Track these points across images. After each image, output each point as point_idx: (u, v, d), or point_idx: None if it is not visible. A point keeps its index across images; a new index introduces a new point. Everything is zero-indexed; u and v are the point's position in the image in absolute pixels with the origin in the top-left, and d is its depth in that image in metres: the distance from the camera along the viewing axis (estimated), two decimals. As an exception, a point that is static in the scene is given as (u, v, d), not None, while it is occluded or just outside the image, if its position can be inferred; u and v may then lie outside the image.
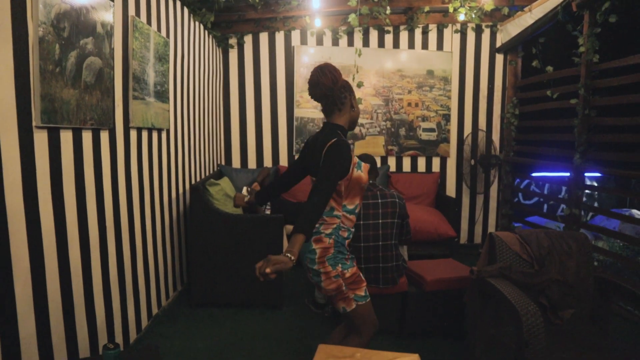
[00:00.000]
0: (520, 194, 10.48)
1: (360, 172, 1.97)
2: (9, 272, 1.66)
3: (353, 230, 2.08)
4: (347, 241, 2.04)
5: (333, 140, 1.89)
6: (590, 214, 9.64)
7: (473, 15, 4.57)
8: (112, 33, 2.37)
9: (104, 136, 2.37)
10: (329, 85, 1.94)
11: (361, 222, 2.82)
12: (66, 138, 2.02)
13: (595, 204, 11.20)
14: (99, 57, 2.24)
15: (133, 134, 2.71)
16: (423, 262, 3.31)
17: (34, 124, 1.78)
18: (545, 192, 10.32)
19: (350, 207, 1.99)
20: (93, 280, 2.27)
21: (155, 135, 3.05)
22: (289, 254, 1.63)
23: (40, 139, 1.83)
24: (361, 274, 2.09)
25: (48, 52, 1.83)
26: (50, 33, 1.83)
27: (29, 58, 1.75)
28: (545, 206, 10.13)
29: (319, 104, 2.06)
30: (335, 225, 1.96)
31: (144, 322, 2.94)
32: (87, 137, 2.19)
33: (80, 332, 2.15)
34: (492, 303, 2.42)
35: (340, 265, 1.99)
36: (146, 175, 2.93)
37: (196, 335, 3.00)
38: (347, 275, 2.01)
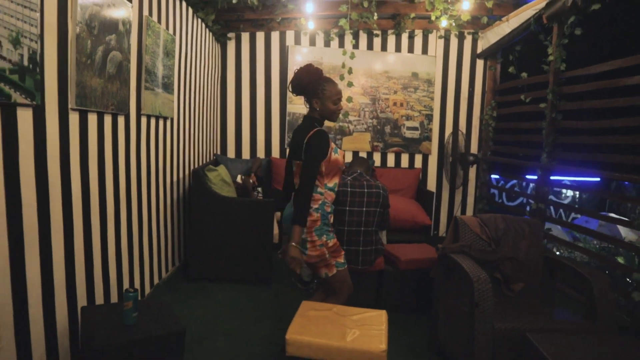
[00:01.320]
0: (504, 195, 10.97)
1: (337, 155, 2.39)
2: (48, 227, 2.03)
3: (333, 206, 2.48)
4: (330, 215, 2.44)
5: (313, 131, 2.30)
6: (572, 215, 10.16)
7: (453, 23, 4.99)
8: (130, 31, 2.74)
9: (121, 120, 2.74)
10: (300, 78, 2.38)
11: (347, 208, 3.19)
12: (92, 120, 2.39)
13: (576, 206, 11.75)
14: (120, 52, 2.61)
15: (144, 120, 3.08)
16: (400, 245, 3.72)
17: (69, 106, 2.15)
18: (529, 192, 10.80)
19: (330, 185, 2.40)
20: (108, 244, 2.64)
21: (161, 122, 3.43)
22: (294, 245, 2.25)
23: (74, 120, 2.20)
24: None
25: (82, 47, 2.20)
26: (84, 30, 2.20)
27: (68, 51, 2.12)
28: (529, 208, 10.62)
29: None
30: (320, 201, 2.36)
31: (147, 289, 3.32)
32: (107, 120, 2.56)
33: (97, 286, 2.52)
34: (454, 277, 2.82)
35: (325, 236, 2.39)
36: (153, 157, 3.30)
37: (193, 304, 3.37)
38: (330, 244, 2.41)
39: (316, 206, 2.37)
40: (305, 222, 2.31)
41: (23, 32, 1.75)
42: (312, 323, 2.13)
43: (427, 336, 3.09)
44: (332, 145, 2.39)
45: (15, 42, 1.71)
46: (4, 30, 1.65)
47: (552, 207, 10.91)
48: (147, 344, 1.99)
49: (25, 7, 1.75)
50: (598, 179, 12.02)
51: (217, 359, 2.64)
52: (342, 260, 2.48)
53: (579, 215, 9.90)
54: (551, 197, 12.40)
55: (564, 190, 12.04)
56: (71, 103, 2.15)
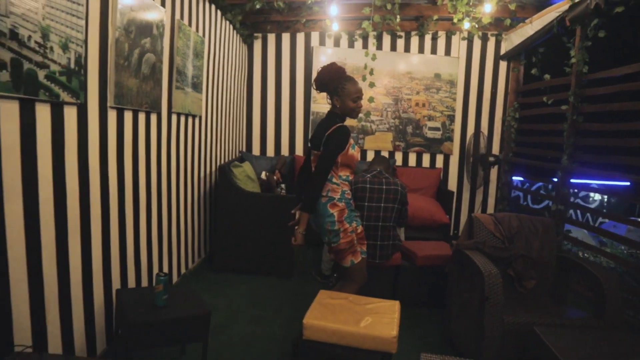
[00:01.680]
0: (529, 197, 10.90)
1: (354, 151, 2.56)
2: (88, 216, 2.23)
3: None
4: (352, 201, 2.63)
5: (336, 125, 2.46)
6: (599, 219, 10.01)
7: (476, 25, 5.06)
8: (163, 34, 2.93)
9: (154, 118, 2.94)
10: (323, 76, 2.56)
11: (366, 204, 3.33)
12: (128, 117, 2.59)
13: (605, 210, 11.57)
14: (154, 54, 2.81)
15: (174, 118, 3.28)
16: (417, 242, 3.83)
17: (108, 104, 2.35)
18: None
19: (344, 176, 2.58)
20: (140, 234, 2.84)
21: (190, 120, 3.63)
22: (301, 232, 2.47)
23: (112, 117, 2.40)
24: None
25: (121, 50, 2.39)
26: (122, 35, 2.40)
27: (108, 54, 2.31)
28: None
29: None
30: (340, 191, 2.53)
31: (175, 278, 3.52)
32: (141, 117, 2.76)
33: (129, 271, 2.72)
34: (467, 272, 2.92)
35: (354, 222, 2.60)
36: (182, 153, 3.50)
37: (217, 293, 3.56)
38: (359, 230, 2.64)
39: (338, 196, 2.54)
40: (313, 210, 2.49)
41: (71, 38, 1.94)
42: (328, 310, 2.28)
43: (440, 329, 3.20)
44: (351, 141, 2.55)
45: (64, 47, 1.90)
46: (55, 37, 1.84)
47: (578, 211, 10.83)
48: (175, 324, 2.17)
49: (73, 15, 1.94)
50: (628, 183, 11.81)
51: (239, 343, 2.81)
52: (365, 248, 2.69)
53: (606, 220, 9.78)
54: (578, 200, 12.20)
55: (591, 194, 11.88)
56: (110, 102, 2.35)
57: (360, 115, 5.43)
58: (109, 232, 2.46)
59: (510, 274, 2.93)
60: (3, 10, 1.55)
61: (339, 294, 2.50)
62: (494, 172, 5.65)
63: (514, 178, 5.95)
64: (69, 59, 1.94)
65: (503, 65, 5.60)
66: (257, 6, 4.24)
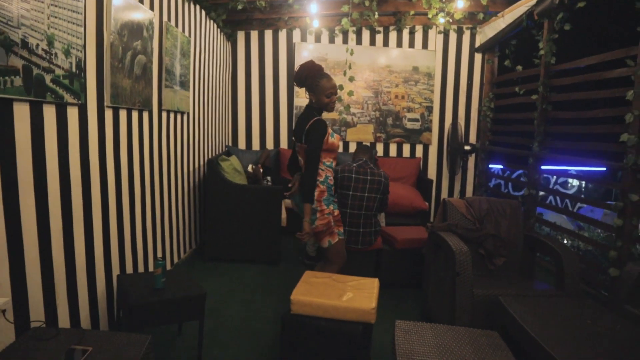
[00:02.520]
0: (510, 185, 11.24)
1: (333, 139, 2.82)
2: (90, 206, 2.44)
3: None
4: (333, 188, 2.87)
5: (313, 120, 2.72)
6: (578, 204, 10.38)
7: (450, 20, 5.32)
8: (152, 36, 3.13)
9: (145, 115, 3.14)
10: (300, 73, 2.81)
11: (350, 193, 3.55)
12: (122, 115, 2.79)
13: (582, 196, 11.97)
14: (144, 55, 3.01)
15: (164, 115, 3.48)
16: (397, 227, 4.09)
17: (105, 104, 2.55)
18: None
19: (328, 162, 2.85)
20: (136, 225, 3.05)
21: (179, 117, 3.83)
22: (307, 220, 2.75)
23: (108, 115, 2.60)
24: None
25: (115, 53, 2.59)
26: (116, 39, 2.60)
27: (104, 57, 2.51)
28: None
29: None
30: (324, 175, 2.79)
31: (168, 266, 3.73)
32: (135, 115, 2.96)
33: (127, 259, 2.93)
34: (441, 252, 3.18)
35: (332, 205, 2.84)
36: (172, 149, 3.71)
37: (209, 280, 3.78)
38: (335, 213, 2.87)
39: (321, 179, 2.81)
40: (312, 200, 2.74)
41: (72, 44, 2.14)
42: (313, 287, 2.52)
43: (419, 308, 3.47)
44: (329, 130, 2.81)
45: (67, 53, 2.10)
46: (59, 44, 2.04)
47: (557, 197, 11.21)
48: (173, 304, 2.39)
49: (73, 23, 2.14)
50: (604, 169, 12.25)
51: (233, 323, 3.05)
52: (342, 230, 2.93)
53: (584, 205, 10.16)
54: (557, 186, 12.57)
55: (570, 180, 12.28)
56: (106, 101, 2.55)
57: (341, 108, 5.67)
58: (109, 222, 2.67)
59: (481, 253, 3.21)
60: (15, 22, 1.75)
61: (322, 274, 2.74)
62: (472, 161, 5.94)
63: (495, 166, 6.25)
64: (70, 63, 2.14)
65: (478, 57, 5.87)
66: (239, 7, 4.44)
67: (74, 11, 2.14)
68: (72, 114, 2.24)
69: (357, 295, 2.44)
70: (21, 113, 1.86)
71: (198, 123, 4.39)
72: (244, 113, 5.81)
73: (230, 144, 5.81)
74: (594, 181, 10.50)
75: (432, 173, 5.98)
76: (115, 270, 2.76)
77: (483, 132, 5.85)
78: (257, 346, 2.79)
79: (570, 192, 12.22)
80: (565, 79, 4.38)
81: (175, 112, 3.74)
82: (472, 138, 5.99)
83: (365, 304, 2.36)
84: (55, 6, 2.00)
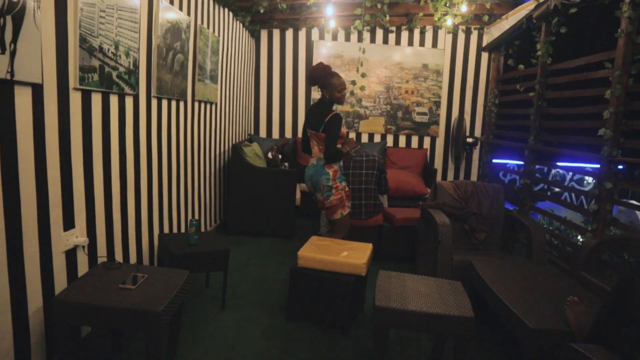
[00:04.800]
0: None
1: (344, 129, 3.42)
2: (139, 177, 3.09)
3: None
4: (342, 168, 3.51)
5: (332, 114, 3.32)
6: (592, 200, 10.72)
7: (456, 23, 5.84)
8: (189, 37, 3.77)
9: (182, 105, 3.79)
10: (314, 73, 3.42)
11: (350, 171, 4.16)
12: (164, 104, 3.44)
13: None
14: (182, 54, 3.65)
15: (196, 105, 4.13)
16: (398, 208, 4.67)
17: (152, 94, 3.20)
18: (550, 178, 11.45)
19: (339, 147, 3.44)
20: (172, 194, 3.71)
21: (209, 106, 4.48)
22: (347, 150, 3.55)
23: (154, 104, 3.26)
24: None
25: (160, 53, 3.24)
26: (162, 42, 3.24)
27: (152, 57, 3.16)
28: (549, 193, 11.33)
29: None
30: None
31: (197, 236, 4.40)
32: (174, 104, 3.62)
33: (165, 224, 3.59)
34: (430, 227, 3.76)
35: (344, 182, 3.44)
36: (202, 134, 4.36)
37: (232, 249, 4.41)
38: (347, 190, 3.46)
39: None
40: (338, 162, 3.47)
41: (130, 48, 2.79)
42: (317, 247, 3.14)
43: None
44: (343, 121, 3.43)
45: (127, 54, 2.75)
46: (122, 47, 2.69)
47: (572, 194, 11.55)
48: (204, 255, 3.03)
49: (132, 31, 2.79)
50: (621, 167, 12.47)
51: (251, 281, 3.69)
52: (349, 205, 3.55)
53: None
54: (572, 183, 12.85)
55: (587, 178, 12.57)
56: (153, 92, 3.20)
57: (353, 101, 6.27)
58: (152, 191, 3.33)
59: (465, 228, 3.77)
60: (96, 32, 2.40)
61: (326, 238, 3.36)
62: (477, 153, 6.45)
63: (511, 162, 6.72)
64: (129, 62, 2.79)
65: (485, 56, 6.38)
66: (261, 10, 5.06)
67: (132, 22, 2.79)
68: (129, 102, 2.89)
69: (352, 254, 3.05)
70: (96, 101, 2.52)
71: (224, 112, 5.04)
72: (266, 104, 6.45)
73: (252, 132, 6.46)
74: (581, 172, 10.96)
75: (438, 163, 6.53)
76: (156, 231, 3.42)
77: (488, 126, 6.35)
78: (269, 297, 3.42)
79: (587, 189, 12.51)
80: (558, 78, 4.88)
81: (206, 103, 4.39)
82: (478, 132, 6.50)
83: (358, 260, 2.96)
84: (120, 19, 2.64)
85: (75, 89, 2.32)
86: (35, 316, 2.14)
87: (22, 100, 1.95)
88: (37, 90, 2.04)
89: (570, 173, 12.20)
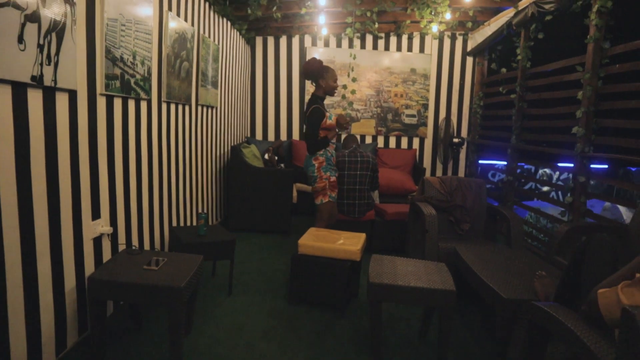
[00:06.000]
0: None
1: (331, 120, 3.79)
2: (151, 174, 3.41)
3: (335, 152, 3.94)
4: (332, 158, 3.86)
5: (312, 108, 3.70)
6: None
7: (441, 30, 6.23)
8: (193, 46, 4.11)
9: (187, 109, 4.13)
10: (308, 68, 3.80)
11: (345, 172, 4.50)
12: (172, 108, 3.77)
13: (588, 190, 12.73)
14: (187, 62, 3.99)
15: (199, 109, 4.47)
16: (389, 204, 5.03)
17: (162, 99, 3.53)
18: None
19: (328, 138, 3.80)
20: (179, 191, 4.03)
21: (210, 110, 4.82)
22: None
23: (164, 108, 3.59)
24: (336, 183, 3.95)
25: (169, 61, 3.57)
26: (170, 51, 3.58)
27: (162, 65, 3.49)
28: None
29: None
30: (323, 150, 3.79)
31: (201, 232, 4.72)
32: (180, 108, 3.95)
33: (173, 218, 3.91)
34: (419, 219, 4.11)
35: (329, 172, 3.82)
36: (204, 136, 4.69)
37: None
38: (332, 180, 3.84)
39: (321, 152, 3.79)
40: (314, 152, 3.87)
41: (145, 57, 3.12)
42: (316, 236, 3.48)
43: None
44: (327, 114, 3.80)
45: (142, 63, 3.08)
46: (139, 57, 3.02)
47: (560, 192, 12.00)
48: (212, 245, 3.36)
49: (146, 42, 3.12)
50: (606, 166, 13.06)
51: (253, 271, 4.02)
52: (334, 195, 3.91)
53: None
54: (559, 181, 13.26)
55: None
56: (163, 97, 3.53)
57: (345, 104, 6.65)
58: (163, 189, 3.65)
59: (451, 220, 4.13)
60: (118, 44, 2.73)
61: (323, 229, 3.70)
62: (464, 153, 6.83)
63: (501, 163, 7.08)
64: (144, 70, 3.12)
65: (470, 60, 6.77)
66: (255, 17, 5.41)
67: (147, 33, 3.12)
68: (144, 106, 3.22)
69: (347, 241, 3.39)
70: (117, 105, 2.85)
71: (223, 116, 5.38)
72: (261, 108, 6.80)
73: (248, 134, 6.79)
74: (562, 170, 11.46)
75: (427, 163, 6.90)
76: (166, 224, 3.75)
77: (474, 127, 6.73)
78: (272, 284, 3.75)
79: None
80: (537, 81, 5.27)
81: (207, 107, 4.72)
82: (464, 132, 6.89)
83: (353, 246, 3.30)
84: (137, 31, 2.98)
85: (101, 94, 2.65)
86: (70, 294, 2.46)
87: (61, 104, 2.28)
88: (73, 96, 2.37)
89: (557, 172, 12.66)
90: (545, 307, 1.98)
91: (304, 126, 3.87)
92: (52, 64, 2.13)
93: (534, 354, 2.06)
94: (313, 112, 3.79)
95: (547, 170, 12.78)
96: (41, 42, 2.04)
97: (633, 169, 12.97)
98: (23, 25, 1.91)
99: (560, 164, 10.97)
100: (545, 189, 12.36)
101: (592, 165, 12.75)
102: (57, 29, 2.14)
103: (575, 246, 2.19)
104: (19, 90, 1.97)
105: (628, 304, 1.53)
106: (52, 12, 2.10)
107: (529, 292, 2.58)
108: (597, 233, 2.27)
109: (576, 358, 2.08)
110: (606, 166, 12.95)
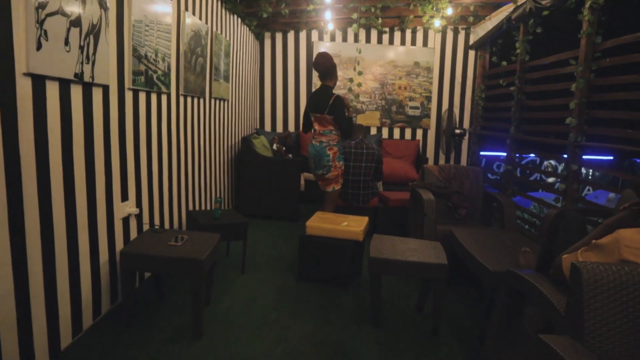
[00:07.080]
0: (518, 170, 12.34)
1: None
2: (171, 163, 3.74)
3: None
4: (342, 149, 4.18)
5: (335, 95, 4.05)
6: (587, 188, 11.44)
7: (444, 24, 6.50)
8: (207, 43, 4.43)
9: (202, 101, 4.45)
10: (325, 64, 4.09)
11: (351, 164, 4.80)
12: (189, 101, 4.10)
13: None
14: (202, 57, 4.31)
15: (213, 102, 4.79)
16: (392, 191, 5.34)
17: (180, 92, 3.85)
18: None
19: (338, 130, 4.13)
20: (195, 178, 4.37)
21: (222, 103, 5.15)
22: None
23: (182, 101, 3.92)
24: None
25: (186, 57, 3.89)
26: (187, 48, 3.90)
27: (180, 61, 3.81)
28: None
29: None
30: (337, 139, 4.11)
31: (214, 218, 5.07)
32: (195, 101, 4.27)
33: (190, 202, 4.25)
34: (419, 205, 4.41)
35: (341, 162, 4.13)
36: (217, 127, 5.02)
37: (244, 230, 5.09)
38: (343, 168, 4.14)
39: (335, 142, 4.16)
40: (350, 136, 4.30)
41: (165, 54, 3.45)
42: (322, 219, 3.80)
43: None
44: None
45: (163, 60, 3.41)
46: (159, 54, 3.34)
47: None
48: (227, 227, 3.69)
49: (166, 40, 3.44)
50: (611, 157, 13.28)
51: (263, 253, 4.36)
52: (342, 182, 4.24)
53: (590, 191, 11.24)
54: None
55: (583, 170, 13.24)
56: (181, 91, 3.86)
57: (351, 97, 6.95)
58: (180, 175, 3.99)
59: (449, 205, 4.43)
60: (142, 43, 3.05)
61: (329, 213, 4.02)
62: (466, 144, 7.11)
63: (504, 154, 7.34)
64: (164, 66, 3.45)
65: (472, 53, 7.04)
66: (265, 15, 5.72)
67: (167, 32, 3.45)
68: (164, 99, 3.55)
69: (351, 224, 3.71)
70: (142, 98, 3.18)
71: (234, 108, 5.70)
72: (270, 101, 7.12)
73: (258, 126, 7.12)
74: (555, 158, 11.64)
75: (430, 153, 7.20)
76: (183, 207, 4.09)
77: (475, 118, 7.01)
78: (281, 265, 4.09)
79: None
80: (535, 74, 5.54)
81: (220, 99, 5.05)
82: (466, 124, 7.17)
83: (357, 228, 3.62)
84: (159, 31, 3.30)
85: (129, 88, 2.98)
86: (104, 266, 2.80)
87: (97, 98, 2.61)
88: (106, 90, 2.71)
89: (563, 164, 12.88)
90: (519, 272, 2.29)
91: (329, 116, 4.11)
92: (90, 62, 2.46)
93: (512, 314, 2.37)
94: (338, 101, 4.08)
95: (552, 162, 13.03)
96: (82, 43, 2.37)
97: (638, 160, 13.18)
98: (68, 30, 2.24)
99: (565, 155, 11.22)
100: (551, 180, 12.63)
101: (598, 157, 12.94)
102: (94, 32, 2.47)
103: (549, 221, 2.49)
104: (64, 86, 2.30)
105: (583, 264, 1.83)
106: (90, 17, 2.42)
107: (514, 266, 2.89)
108: (568, 210, 2.57)
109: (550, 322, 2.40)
110: (611, 158, 13.16)
